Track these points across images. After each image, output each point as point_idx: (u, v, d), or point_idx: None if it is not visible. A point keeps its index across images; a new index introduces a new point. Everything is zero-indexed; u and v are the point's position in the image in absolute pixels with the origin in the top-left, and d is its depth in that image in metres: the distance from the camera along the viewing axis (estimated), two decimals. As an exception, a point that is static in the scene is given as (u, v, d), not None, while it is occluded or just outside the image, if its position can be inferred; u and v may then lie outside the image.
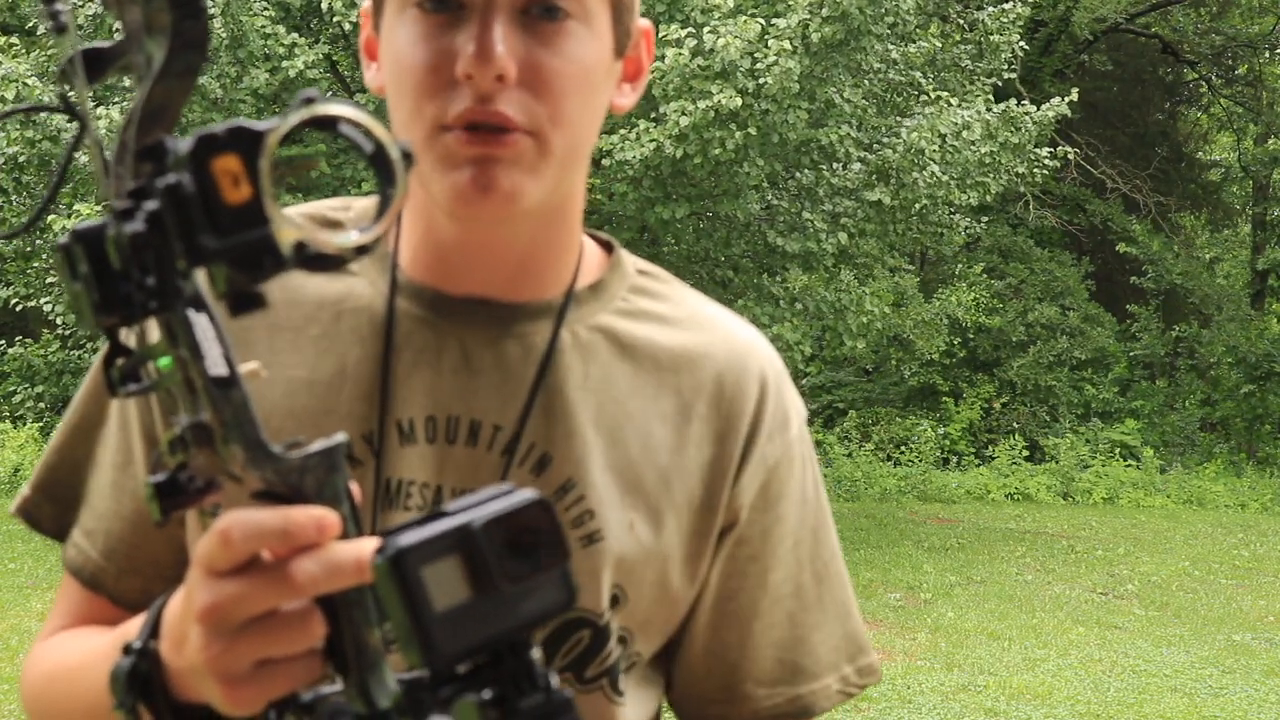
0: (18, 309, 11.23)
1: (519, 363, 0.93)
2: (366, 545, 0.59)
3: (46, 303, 10.34)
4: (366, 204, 0.99)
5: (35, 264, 10.76)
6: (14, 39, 10.02)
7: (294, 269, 0.56)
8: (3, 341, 13.13)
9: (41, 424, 12.57)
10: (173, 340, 0.58)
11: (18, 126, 8.80)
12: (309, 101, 0.57)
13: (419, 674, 0.58)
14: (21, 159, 8.95)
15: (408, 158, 0.58)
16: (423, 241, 0.94)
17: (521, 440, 0.92)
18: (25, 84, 8.79)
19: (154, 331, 0.60)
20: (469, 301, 0.94)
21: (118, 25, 0.62)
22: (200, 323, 0.58)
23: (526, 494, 0.59)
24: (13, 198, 9.71)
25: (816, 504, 1.04)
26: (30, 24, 10.21)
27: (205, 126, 0.55)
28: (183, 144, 0.55)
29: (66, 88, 0.63)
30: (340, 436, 0.61)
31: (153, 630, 0.70)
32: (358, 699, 0.60)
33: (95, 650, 0.87)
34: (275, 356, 0.92)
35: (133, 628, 0.74)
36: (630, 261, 1.01)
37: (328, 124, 0.57)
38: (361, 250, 0.57)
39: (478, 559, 0.56)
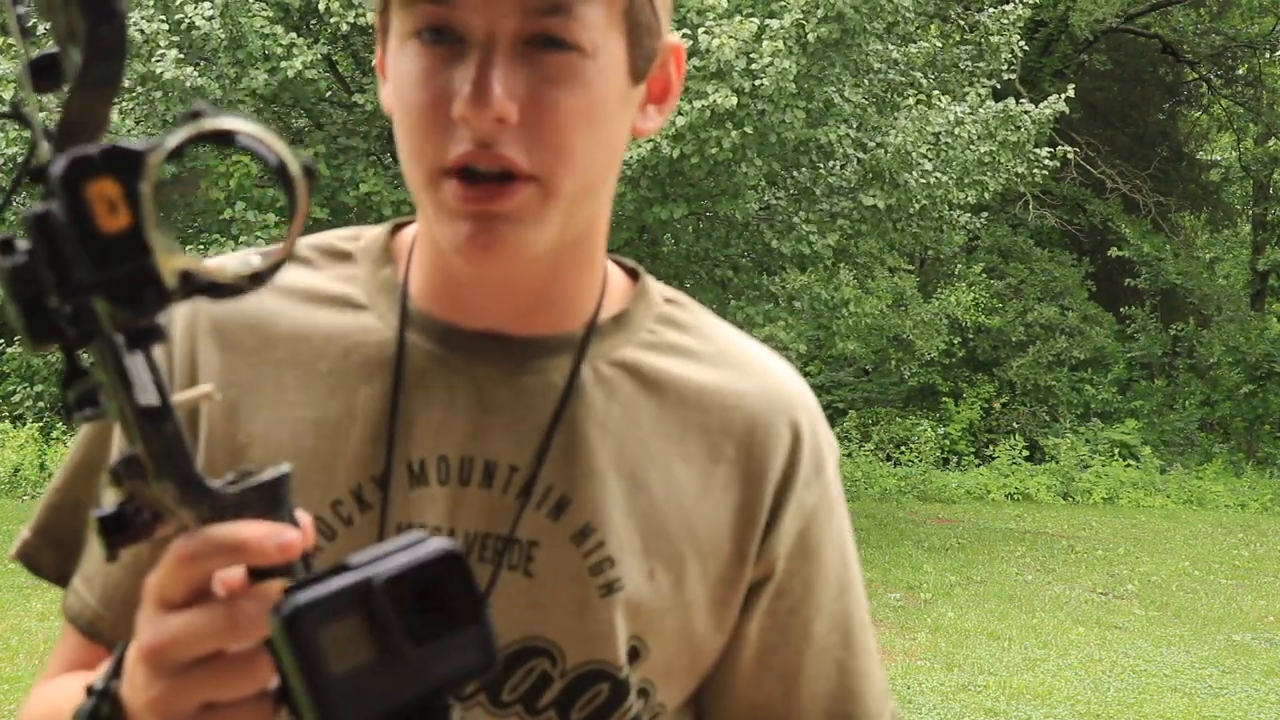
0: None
1: (536, 400, 0.88)
2: None
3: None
4: (378, 232, 0.96)
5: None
6: (9, 40, 10.02)
7: (183, 300, 0.52)
8: (2, 341, 13.12)
9: (41, 424, 12.56)
10: (104, 368, 0.55)
11: (16, 128, 8.79)
12: (195, 116, 0.53)
13: None
14: (21, 160, 8.93)
15: (309, 173, 0.54)
16: (433, 272, 0.90)
17: (539, 482, 0.88)
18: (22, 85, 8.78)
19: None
20: (483, 336, 0.89)
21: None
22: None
23: (436, 545, 0.55)
24: (12, 198, 9.70)
25: (850, 549, 0.99)
26: (30, 25, 10.19)
27: (80, 148, 0.51)
28: (54, 165, 0.51)
29: (20, 94, 0.60)
30: (284, 467, 0.59)
31: (116, 670, 0.68)
32: None
33: (79, 695, 0.86)
34: (282, 395, 0.89)
35: (103, 669, 0.71)
36: (657, 290, 0.96)
37: (224, 138, 0.53)
38: (257, 278, 0.53)
39: (379, 618, 0.53)
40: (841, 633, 0.96)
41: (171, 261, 0.51)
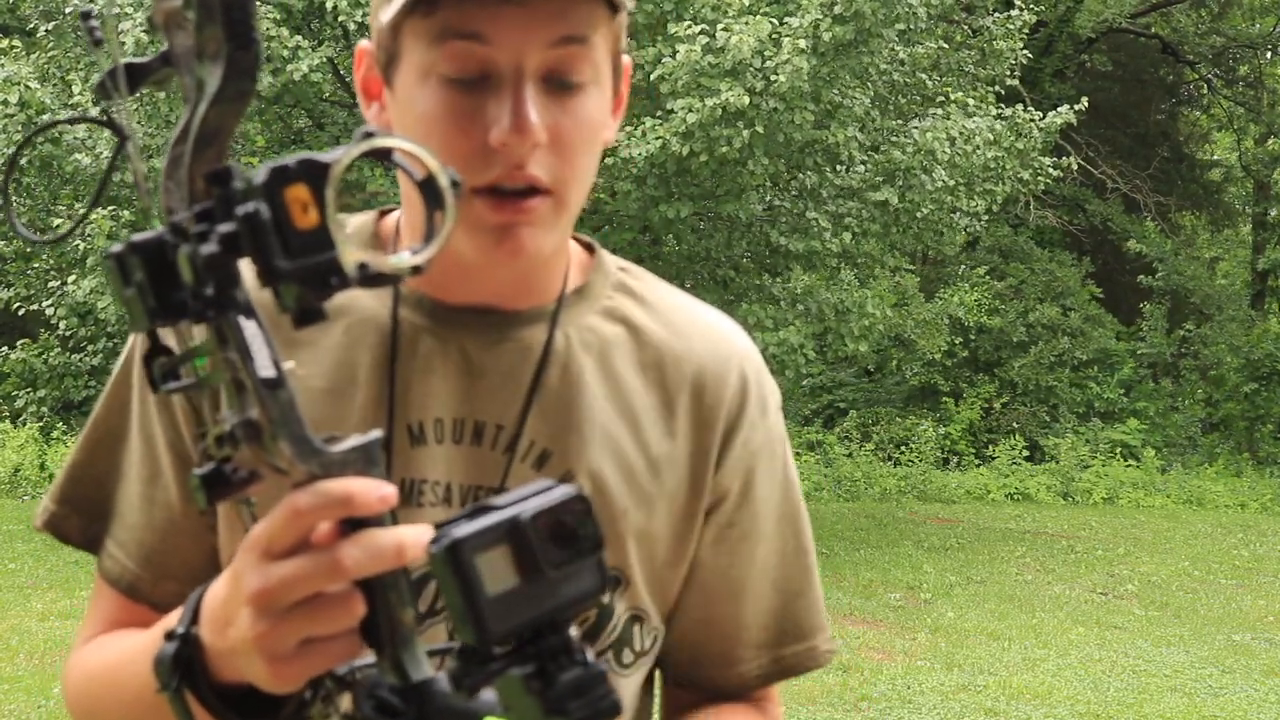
0: (19, 312, 11.22)
1: (517, 365, 1.00)
2: (405, 533, 0.63)
3: (48, 305, 10.33)
4: (365, 219, 1.05)
5: (35, 265, 10.76)
6: (15, 41, 10.03)
7: (355, 287, 0.60)
8: (3, 344, 13.11)
9: (41, 424, 12.56)
10: (223, 343, 0.63)
11: (19, 129, 8.81)
12: (368, 135, 0.62)
13: (469, 647, 0.62)
14: (22, 161, 8.95)
15: (456, 185, 0.63)
16: None
17: (522, 438, 0.99)
18: (28, 86, 8.80)
19: (196, 333, 0.65)
20: (467, 310, 1.00)
21: (113, 37, 0.66)
22: (249, 328, 0.63)
23: (566, 489, 0.63)
24: (13, 199, 9.72)
25: (793, 481, 1.11)
26: (30, 26, 10.20)
27: (276, 159, 0.60)
28: (256, 174, 0.59)
29: (101, 100, 0.67)
30: (376, 433, 0.66)
31: (193, 617, 0.75)
32: (391, 672, 0.65)
33: (135, 647, 0.92)
34: (296, 368, 0.98)
35: (173, 618, 0.78)
36: (611, 261, 1.08)
37: (383, 154, 0.63)
38: (416, 270, 0.62)
39: (525, 548, 0.61)
40: (779, 556, 1.10)
41: (350, 254, 0.60)
